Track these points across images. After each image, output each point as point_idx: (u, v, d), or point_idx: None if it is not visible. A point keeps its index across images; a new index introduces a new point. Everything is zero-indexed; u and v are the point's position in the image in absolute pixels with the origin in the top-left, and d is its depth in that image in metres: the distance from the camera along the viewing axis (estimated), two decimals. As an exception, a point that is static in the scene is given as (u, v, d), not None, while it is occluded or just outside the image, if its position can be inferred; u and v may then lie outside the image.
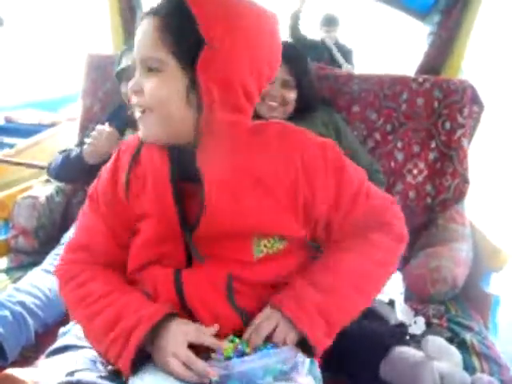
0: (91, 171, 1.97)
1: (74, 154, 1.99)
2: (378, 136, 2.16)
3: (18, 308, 1.49)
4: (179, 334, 0.95)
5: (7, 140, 4.55)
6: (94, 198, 1.12)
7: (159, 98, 0.95)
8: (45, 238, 2.04)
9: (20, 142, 4.48)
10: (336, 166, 1.04)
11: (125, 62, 2.05)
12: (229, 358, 0.93)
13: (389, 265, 1.10)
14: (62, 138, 4.81)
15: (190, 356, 0.93)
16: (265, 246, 1.02)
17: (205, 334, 0.96)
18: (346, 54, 4.16)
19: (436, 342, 1.25)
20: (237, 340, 0.97)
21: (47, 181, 2.18)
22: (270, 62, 0.98)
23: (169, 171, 1.00)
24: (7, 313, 1.46)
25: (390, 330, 1.36)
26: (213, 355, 0.94)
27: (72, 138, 4.65)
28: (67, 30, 9.79)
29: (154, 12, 0.94)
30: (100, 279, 1.07)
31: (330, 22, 4.27)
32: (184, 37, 0.92)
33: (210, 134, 0.96)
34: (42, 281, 1.62)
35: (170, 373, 0.92)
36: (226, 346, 0.95)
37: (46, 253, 1.92)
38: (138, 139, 1.07)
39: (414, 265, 1.84)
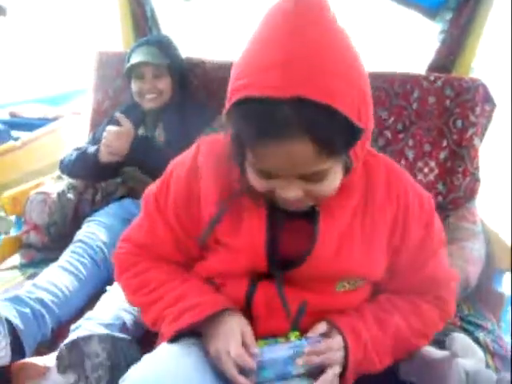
0: (104, 169, 1.99)
1: (89, 151, 2.01)
2: (388, 134, 2.16)
3: (38, 306, 1.50)
4: (236, 331, 0.98)
5: (12, 133, 4.55)
6: (160, 200, 1.12)
7: (332, 191, 0.93)
8: (56, 234, 2.04)
9: (25, 135, 4.49)
10: (428, 220, 1.07)
11: (134, 60, 2.06)
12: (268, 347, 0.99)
13: (425, 338, 1.14)
14: (66, 131, 4.83)
15: (242, 355, 0.94)
16: (348, 283, 1.06)
17: (251, 332, 1.00)
18: None
19: (461, 339, 1.27)
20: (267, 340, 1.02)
21: (59, 177, 2.19)
22: None
23: (267, 207, 0.99)
24: (28, 310, 1.47)
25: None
26: (252, 349, 0.98)
27: (77, 132, 4.69)
28: (73, 26, 9.78)
29: (295, 134, 0.79)
30: (161, 268, 1.12)
31: None
32: (342, 138, 0.82)
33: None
34: (60, 278, 1.63)
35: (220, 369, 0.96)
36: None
37: (57, 249, 1.93)
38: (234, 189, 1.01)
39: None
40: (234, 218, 1.01)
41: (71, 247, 1.78)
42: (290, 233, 1.01)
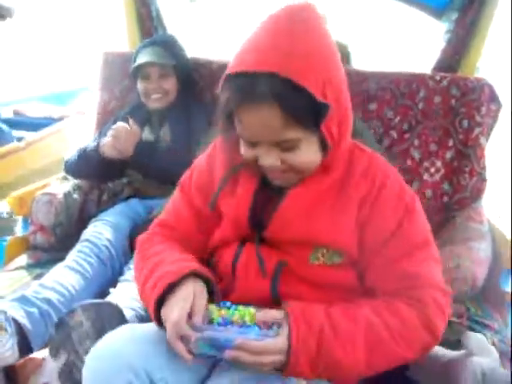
0: (108, 167, 2.00)
1: (90, 148, 2.01)
2: (394, 134, 2.16)
3: (45, 305, 1.51)
4: (187, 298, 1.01)
5: (15, 133, 4.56)
6: (184, 186, 1.27)
7: (306, 163, 1.06)
8: (62, 234, 2.05)
9: (28, 135, 4.50)
10: (404, 215, 1.07)
11: (140, 60, 2.06)
12: (211, 322, 0.99)
13: (410, 347, 1.02)
14: (71, 131, 4.85)
15: (178, 323, 0.97)
16: (322, 255, 1.09)
17: (200, 301, 1.02)
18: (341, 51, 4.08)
19: (476, 338, 1.26)
20: (228, 309, 1.01)
21: (64, 178, 2.19)
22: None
23: (257, 182, 1.13)
24: (35, 310, 1.48)
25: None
26: (195, 319, 0.98)
27: (82, 132, 4.70)
28: (79, 26, 9.82)
29: (265, 100, 0.96)
30: (167, 244, 1.21)
31: None
32: (306, 110, 0.98)
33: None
34: (66, 278, 1.63)
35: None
36: (214, 310, 1.01)
37: (63, 249, 1.94)
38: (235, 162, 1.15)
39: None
40: (230, 191, 1.16)
41: (78, 246, 1.79)
42: (273, 204, 1.11)
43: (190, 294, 1.02)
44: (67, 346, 1.28)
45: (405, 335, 1.01)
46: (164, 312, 1.02)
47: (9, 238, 2.03)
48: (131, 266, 1.72)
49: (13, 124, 4.60)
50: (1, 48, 7.67)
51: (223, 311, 1.01)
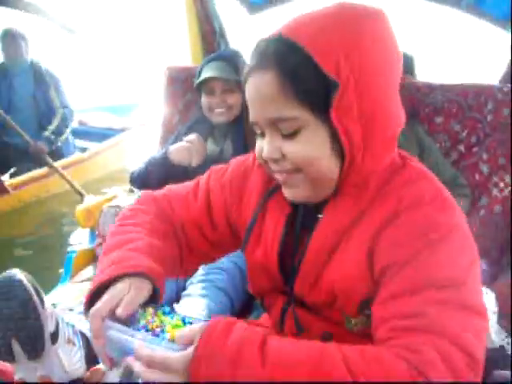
0: (174, 176, 2.02)
1: (159, 154, 2.06)
2: (462, 148, 2.10)
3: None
4: (114, 295, 0.88)
5: (80, 143, 4.70)
6: (213, 174, 1.17)
7: (307, 158, 0.86)
8: (127, 246, 2.08)
9: (91, 146, 4.63)
10: (431, 239, 0.82)
11: (204, 75, 2.08)
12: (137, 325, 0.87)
13: None
14: (132, 143, 4.96)
15: (93, 316, 0.87)
16: (357, 323, 0.92)
17: (131, 297, 0.88)
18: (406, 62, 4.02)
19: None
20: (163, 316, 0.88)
21: (131, 190, 2.23)
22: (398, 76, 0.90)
23: (285, 220, 0.98)
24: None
25: (489, 353, 1.31)
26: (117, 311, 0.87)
27: (143, 143, 4.80)
28: (143, 40, 10.11)
29: (267, 65, 0.84)
30: (148, 225, 1.07)
31: None
32: (311, 84, 0.83)
33: (345, 187, 0.90)
34: None
35: None
36: (143, 314, 0.89)
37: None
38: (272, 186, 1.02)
39: (504, 282, 1.78)
40: (258, 227, 1.03)
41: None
42: (303, 246, 0.96)
43: (124, 290, 0.89)
44: None
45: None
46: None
47: (77, 250, 2.09)
48: (194, 280, 1.74)
49: (77, 134, 4.74)
50: (70, 59, 7.98)
51: (156, 317, 0.88)
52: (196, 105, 2.25)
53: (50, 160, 4.04)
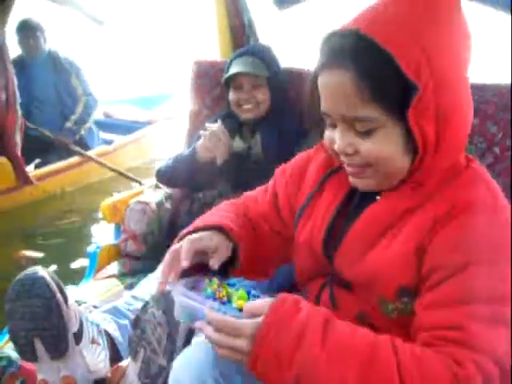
0: (202, 173, 2.00)
1: (186, 152, 2.04)
2: (497, 150, 2.03)
3: None
4: (191, 240, 0.99)
5: (105, 136, 4.69)
6: (277, 173, 1.23)
7: (380, 156, 0.89)
8: (152, 243, 2.07)
9: (116, 138, 4.62)
10: (484, 254, 0.83)
11: (233, 70, 2.04)
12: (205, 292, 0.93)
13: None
14: (158, 137, 4.94)
15: (163, 272, 0.98)
16: (394, 309, 0.92)
17: (212, 254, 1.00)
18: None
19: None
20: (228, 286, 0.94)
21: (156, 186, 2.21)
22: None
23: (338, 202, 1.02)
24: (126, 322, 1.50)
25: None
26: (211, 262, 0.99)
27: (169, 137, 4.79)
28: (170, 33, 10.13)
29: (345, 62, 0.84)
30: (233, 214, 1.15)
31: None
32: (390, 85, 0.84)
33: (410, 181, 0.93)
34: None
35: None
36: (210, 283, 0.95)
37: (153, 258, 1.96)
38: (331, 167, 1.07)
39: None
40: (310, 209, 1.08)
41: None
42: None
43: (210, 239, 1.01)
44: (143, 342, 1.29)
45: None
46: None
47: (101, 245, 2.07)
48: None
49: (102, 126, 4.73)
50: (97, 51, 8.00)
51: (221, 287, 0.94)
52: (224, 100, 2.21)
53: (80, 150, 4.05)
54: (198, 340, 1.14)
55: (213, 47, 2.57)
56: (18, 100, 3.60)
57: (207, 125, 1.99)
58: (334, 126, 0.93)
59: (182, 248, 0.96)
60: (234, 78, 2.07)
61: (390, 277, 0.91)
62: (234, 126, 2.14)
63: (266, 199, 1.19)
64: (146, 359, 1.27)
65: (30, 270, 1.27)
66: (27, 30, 3.98)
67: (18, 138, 3.63)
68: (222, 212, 1.15)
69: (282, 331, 0.79)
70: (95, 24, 4.06)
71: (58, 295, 1.27)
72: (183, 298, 0.90)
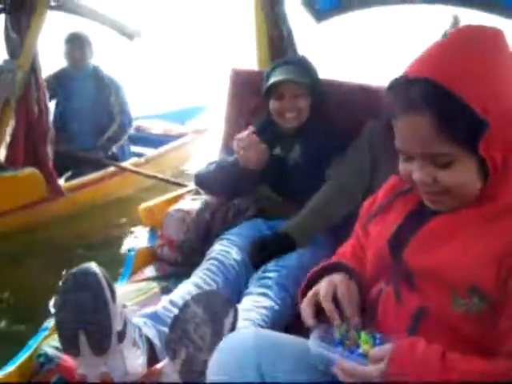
0: (242, 178, 2.00)
1: (229, 160, 2.05)
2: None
3: None
4: (334, 282, 1.12)
5: (136, 149, 4.73)
6: (358, 218, 1.31)
7: (458, 183, 0.99)
8: (188, 250, 2.07)
9: (147, 152, 4.65)
10: None
11: (274, 78, 2.05)
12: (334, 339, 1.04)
13: None
14: (188, 150, 4.97)
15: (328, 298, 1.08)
16: (463, 305, 0.97)
17: (348, 301, 1.09)
18: None
19: None
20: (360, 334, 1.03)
21: (196, 192, 2.22)
22: None
23: (410, 209, 1.12)
24: (166, 329, 1.48)
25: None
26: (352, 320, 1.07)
27: (200, 149, 4.81)
28: (205, 43, 10.23)
29: (421, 110, 0.94)
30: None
31: None
32: (463, 125, 0.94)
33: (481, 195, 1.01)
34: None
35: None
36: (339, 329, 1.05)
37: (188, 264, 1.97)
38: (403, 188, 1.16)
39: None
40: (383, 219, 1.18)
41: (205, 264, 1.79)
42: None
43: (337, 280, 1.12)
44: (185, 341, 1.29)
45: None
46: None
47: (136, 248, 2.08)
48: (255, 276, 1.74)
49: (133, 140, 4.78)
50: (130, 64, 8.10)
51: (349, 332, 1.05)
52: (262, 110, 2.21)
53: (114, 162, 4.08)
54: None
55: (250, 59, 2.59)
56: (51, 113, 3.65)
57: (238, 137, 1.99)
58: (410, 159, 1.03)
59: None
60: (276, 88, 2.07)
61: (463, 274, 0.96)
62: (274, 135, 2.14)
63: (349, 244, 1.33)
64: (190, 357, 1.28)
65: (84, 265, 1.30)
66: (75, 42, 4.04)
67: (50, 150, 3.64)
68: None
69: (402, 367, 0.91)
70: (126, 39, 4.11)
71: (107, 292, 1.28)
72: (317, 347, 1.02)
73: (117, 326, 1.29)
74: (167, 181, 3.93)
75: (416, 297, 1.03)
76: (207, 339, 1.27)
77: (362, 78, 2.50)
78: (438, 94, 0.93)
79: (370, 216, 1.22)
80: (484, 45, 0.98)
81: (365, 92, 2.19)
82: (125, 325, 1.33)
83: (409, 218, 1.12)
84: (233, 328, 1.33)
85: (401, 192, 1.17)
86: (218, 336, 1.23)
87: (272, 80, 2.04)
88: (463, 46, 0.98)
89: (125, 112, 4.21)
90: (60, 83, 4.05)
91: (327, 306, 1.07)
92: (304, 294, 1.16)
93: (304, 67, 2.10)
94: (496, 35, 0.99)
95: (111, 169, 4.10)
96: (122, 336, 1.31)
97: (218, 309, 1.32)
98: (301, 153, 2.06)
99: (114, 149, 4.20)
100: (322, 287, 1.11)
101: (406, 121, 0.98)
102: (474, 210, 1.01)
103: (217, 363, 1.07)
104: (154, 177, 4.00)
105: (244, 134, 1.97)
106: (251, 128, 2.00)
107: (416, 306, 1.02)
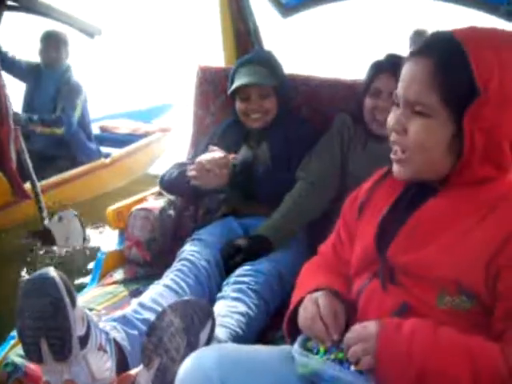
0: (204, 191, 1.97)
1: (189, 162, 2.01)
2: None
3: (145, 327, 1.47)
4: (314, 300, 1.09)
5: (101, 149, 4.64)
6: (340, 216, 1.29)
7: (423, 143, 0.97)
8: (156, 250, 2.03)
9: (114, 152, 4.57)
10: None
11: (239, 81, 2.02)
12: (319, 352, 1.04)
13: None
14: (155, 148, 4.91)
15: (315, 320, 1.06)
16: (449, 302, 0.96)
17: (332, 314, 1.06)
18: None
19: None
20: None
21: (160, 193, 2.18)
22: None
23: (390, 203, 1.10)
24: (136, 332, 1.46)
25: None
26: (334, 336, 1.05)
27: (167, 148, 4.75)
28: (169, 41, 10.12)
29: (428, 53, 0.96)
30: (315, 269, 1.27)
31: None
32: (458, 84, 0.93)
33: (458, 183, 1.00)
34: (164, 298, 1.60)
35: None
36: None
37: (158, 265, 1.93)
38: (384, 171, 1.16)
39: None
40: (370, 213, 1.16)
41: (176, 265, 1.75)
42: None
43: (325, 299, 1.09)
44: (159, 350, 1.25)
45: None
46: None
47: (106, 251, 2.03)
48: (230, 280, 1.69)
49: (99, 140, 4.69)
50: (91, 64, 7.97)
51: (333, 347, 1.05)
52: (229, 109, 2.18)
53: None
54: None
55: (217, 56, 2.55)
56: (11, 113, 3.53)
57: (210, 148, 1.96)
58: (398, 106, 1.02)
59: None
60: (241, 90, 2.04)
61: (450, 272, 0.95)
62: (241, 134, 2.12)
63: (331, 245, 1.31)
64: (163, 367, 1.24)
65: (42, 270, 1.25)
66: (52, 41, 3.95)
67: (13, 152, 3.49)
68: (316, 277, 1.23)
69: (395, 338, 0.92)
70: (87, 37, 4.01)
71: (66, 296, 1.24)
72: (303, 359, 1.03)
73: (78, 331, 1.25)
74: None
75: (399, 292, 1.02)
76: (181, 351, 1.23)
77: (329, 71, 2.51)
78: (451, 45, 0.94)
79: (354, 210, 1.21)
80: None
81: (333, 86, 2.18)
82: (88, 329, 1.29)
83: (394, 208, 1.10)
84: (209, 340, 1.30)
85: (380, 179, 1.16)
86: (192, 348, 1.19)
87: (237, 83, 2.01)
88: (502, 32, 0.98)
89: (68, 115, 4.02)
90: (30, 78, 3.96)
91: (319, 326, 1.06)
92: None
93: (270, 66, 2.06)
94: None
95: (79, 169, 4.03)
96: (84, 341, 1.27)
97: (196, 319, 1.28)
98: (269, 151, 2.04)
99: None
100: (308, 307, 1.10)
101: (413, 61, 0.98)
102: (460, 198, 1.00)
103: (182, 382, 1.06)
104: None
105: (202, 159, 1.92)
106: (213, 148, 1.96)
107: (399, 301, 1.00)
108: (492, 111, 0.92)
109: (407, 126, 0.98)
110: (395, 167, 1.05)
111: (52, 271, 1.25)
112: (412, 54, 1.00)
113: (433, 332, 0.91)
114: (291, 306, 1.18)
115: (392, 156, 1.05)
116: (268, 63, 2.08)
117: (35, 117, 3.86)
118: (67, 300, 1.23)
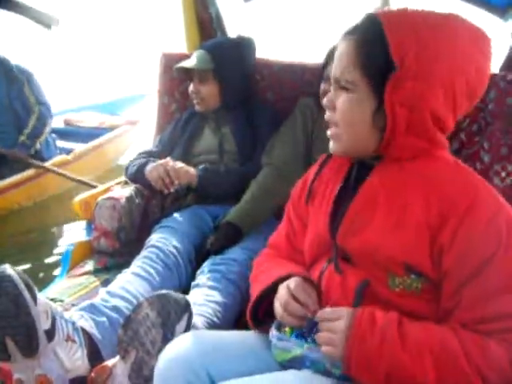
0: None
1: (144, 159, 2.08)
2: (463, 136, 2.07)
3: (114, 314, 1.50)
4: (286, 286, 1.10)
5: (65, 145, 4.51)
6: (289, 204, 1.31)
7: (349, 117, 1.03)
8: (125, 239, 2.03)
9: (77, 147, 4.42)
10: (503, 235, 0.94)
11: (189, 62, 2.04)
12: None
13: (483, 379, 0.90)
14: (121, 142, 4.79)
15: (289, 301, 1.07)
16: (400, 283, 1.00)
17: (305, 292, 1.07)
18: None
19: None
20: None
21: (126, 182, 2.17)
22: (470, 93, 1.01)
23: (338, 185, 1.13)
24: (104, 319, 1.47)
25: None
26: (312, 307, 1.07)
27: (133, 141, 4.65)
28: (127, 33, 9.97)
29: (352, 33, 1.02)
30: (273, 261, 1.27)
31: None
32: (376, 60, 0.98)
33: (391, 159, 1.04)
34: (133, 285, 1.61)
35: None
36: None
37: (128, 254, 1.93)
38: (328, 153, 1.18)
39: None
40: (319, 200, 1.18)
41: (144, 252, 1.76)
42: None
43: (294, 282, 1.10)
44: (135, 343, 1.27)
45: (486, 372, 0.90)
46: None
47: (75, 242, 2.02)
48: (205, 269, 1.70)
49: (63, 135, 4.57)
50: (52, 56, 7.79)
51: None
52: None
53: (36, 162, 3.82)
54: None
55: (181, 44, 2.55)
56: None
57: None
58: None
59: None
60: (189, 73, 2.10)
61: (394, 253, 0.99)
62: (202, 118, 2.15)
63: (284, 240, 1.31)
64: (139, 360, 1.25)
65: None
66: None
67: None
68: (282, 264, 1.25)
69: (363, 337, 0.94)
70: (44, 28, 3.90)
71: (25, 292, 1.24)
72: (278, 341, 1.07)
73: (43, 325, 1.26)
74: (84, 182, 3.72)
75: (357, 272, 1.05)
76: (157, 344, 1.24)
77: (293, 55, 2.52)
78: (373, 24, 0.98)
79: (303, 195, 1.24)
80: (444, 21, 1.00)
81: (297, 70, 2.20)
82: (53, 322, 1.29)
83: (344, 189, 1.13)
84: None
85: (325, 161, 1.20)
86: (168, 342, 1.19)
87: (186, 63, 2.07)
88: (424, 13, 1.00)
89: (41, 101, 3.91)
90: None
91: (294, 305, 1.07)
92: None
93: (215, 51, 2.08)
94: (460, 23, 1.00)
95: (35, 170, 3.87)
96: (51, 334, 1.28)
97: (172, 313, 1.28)
98: (232, 135, 2.07)
99: (38, 145, 3.91)
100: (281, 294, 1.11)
101: (340, 43, 1.04)
102: (389, 174, 1.04)
103: (163, 372, 1.07)
104: (72, 179, 3.79)
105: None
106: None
107: (357, 281, 1.03)
108: (411, 85, 0.95)
109: (336, 102, 1.04)
110: (330, 143, 1.10)
111: (8, 268, 1.24)
112: (343, 34, 1.04)
113: (399, 336, 0.93)
114: (251, 299, 1.20)
115: (327, 132, 1.10)
116: (211, 48, 2.10)
117: None
118: (27, 296, 1.24)
